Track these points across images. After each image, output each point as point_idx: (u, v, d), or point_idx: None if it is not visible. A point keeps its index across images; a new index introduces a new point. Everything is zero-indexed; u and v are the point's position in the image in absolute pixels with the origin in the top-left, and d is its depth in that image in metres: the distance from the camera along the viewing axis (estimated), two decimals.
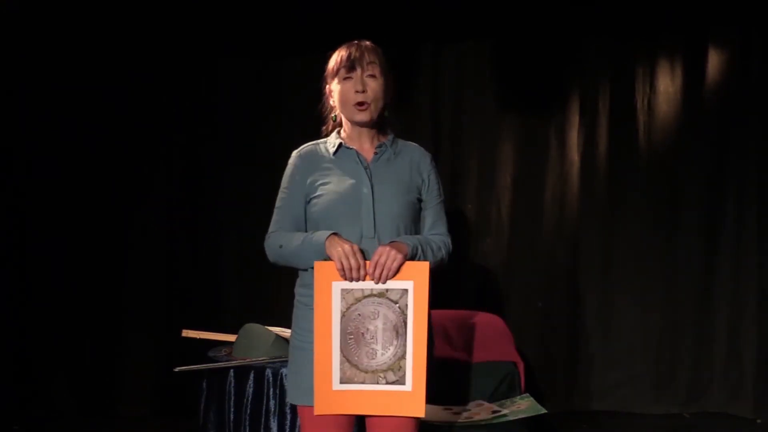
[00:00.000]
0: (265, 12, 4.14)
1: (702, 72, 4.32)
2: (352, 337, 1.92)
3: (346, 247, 1.91)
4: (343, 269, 1.90)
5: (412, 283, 1.91)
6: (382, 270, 1.90)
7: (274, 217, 2.12)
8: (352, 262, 1.89)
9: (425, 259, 1.97)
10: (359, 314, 1.92)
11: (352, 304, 1.92)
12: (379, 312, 1.92)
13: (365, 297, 1.92)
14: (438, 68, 4.37)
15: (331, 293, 1.92)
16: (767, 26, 4.21)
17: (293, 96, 4.25)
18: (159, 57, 4.21)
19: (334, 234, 1.95)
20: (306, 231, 2.08)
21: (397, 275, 1.91)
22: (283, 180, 2.13)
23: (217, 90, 4.33)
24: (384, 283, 1.91)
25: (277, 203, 2.13)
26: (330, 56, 2.10)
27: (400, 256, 1.90)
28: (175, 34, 4.17)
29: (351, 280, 1.91)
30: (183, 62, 4.25)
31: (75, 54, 4.10)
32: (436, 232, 2.11)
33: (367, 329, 1.92)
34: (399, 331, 1.92)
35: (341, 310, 1.92)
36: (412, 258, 1.95)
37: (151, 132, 4.23)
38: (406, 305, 1.91)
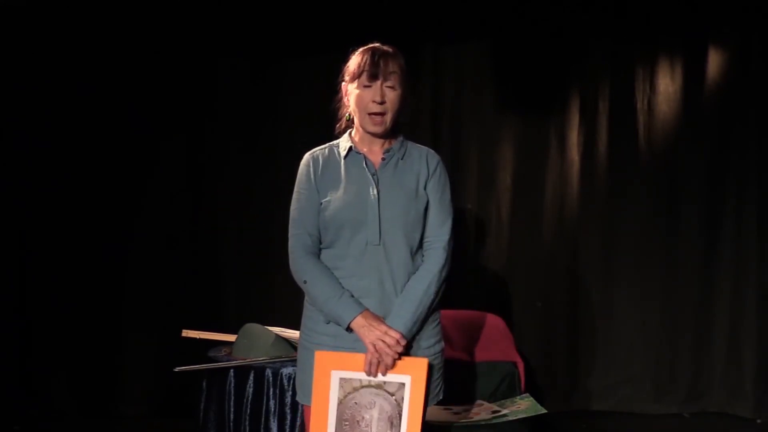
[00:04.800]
0: (266, 12, 4.14)
1: (702, 72, 4.33)
2: (348, 424, 1.95)
3: (383, 328, 1.94)
4: (373, 356, 1.93)
5: (410, 378, 1.95)
6: (377, 366, 1.94)
7: (293, 229, 2.09)
8: (389, 348, 1.92)
9: (425, 318, 2.01)
10: (356, 402, 1.96)
11: (349, 393, 1.96)
12: (375, 402, 1.95)
13: (363, 387, 1.96)
14: (438, 68, 4.37)
15: (329, 381, 1.96)
16: (766, 27, 4.21)
17: (294, 96, 4.26)
18: (159, 54, 4.20)
19: (362, 314, 1.96)
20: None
21: (396, 369, 1.95)
22: (296, 184, 2.11)
23: (217, 89, 4.33)
24: (384, 375, 1.96)
25: (293, 212, 2.10)
26: (351, 54, 2.08)
27: (394, 353, 1.93)
28: (178, 30, 4.17)
29: (373, 374, 1.94)
30: (183, 60, 4.24)
31: (75, 51, 4.09)
32: (430, 240, 2.07)
33: (363, 417, 1.95)
34: (393, 422, 1.94)
35: (339, 398, 1.96)
36: (410, 334, 1.98)
37: (150, 131, 4.23)
38: (402, 398, 1.95)
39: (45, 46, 4.05)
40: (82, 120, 4.14)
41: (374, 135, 2.07)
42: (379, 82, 2.02)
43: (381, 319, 1.98)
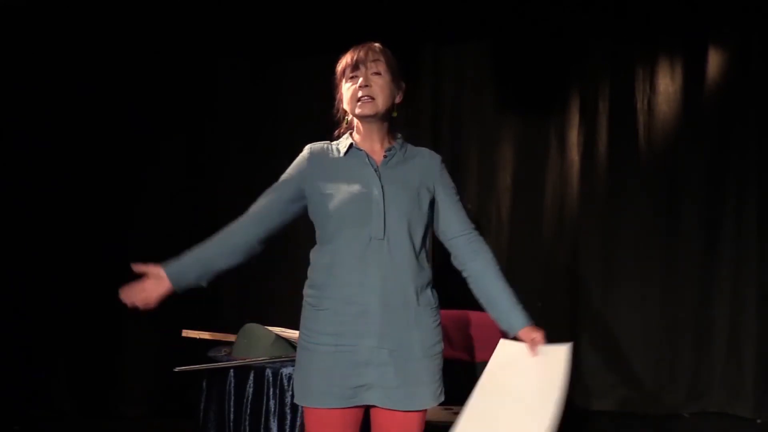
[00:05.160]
0: (266, 12, 4.14)
1: (702, 72, 4.33)
2: None
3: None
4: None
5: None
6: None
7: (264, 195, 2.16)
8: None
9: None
10: None
11: None
12: None
13: None
14: (438, 68, 4.37)
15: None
16: (766, 27, 4.21)
17: (294, 96, 4.26)
18: (159, 54, 4.20)
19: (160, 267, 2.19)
20: (277, 219, 2.13)
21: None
22: (289, 167, 2.16)
23: (217, 89, 4.33)
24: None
25: (276, 183, 2.16)
26: (339, 60, 2.12)
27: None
28: (178, 30, 4.17)
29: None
30: (183, 60, 4.24)
31: (75, 51, 4.09)
32: (465, 230, 2.14)
33: None
34: None
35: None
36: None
37: (150, 131, 4.23)
38: None
39: (45, 46, 4.05)
40: (82, 120, 4.14)
41: (369, 119, 2.08)
42: (362, 70, 2.06)
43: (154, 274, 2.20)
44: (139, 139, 4.20)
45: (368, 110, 2.06)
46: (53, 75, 4.07)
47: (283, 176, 2.15)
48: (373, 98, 2.05)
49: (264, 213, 2.12)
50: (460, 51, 4.39)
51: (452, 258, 2.17)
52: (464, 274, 2.15)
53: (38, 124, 4.09)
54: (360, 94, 2.05)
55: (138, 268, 2.07)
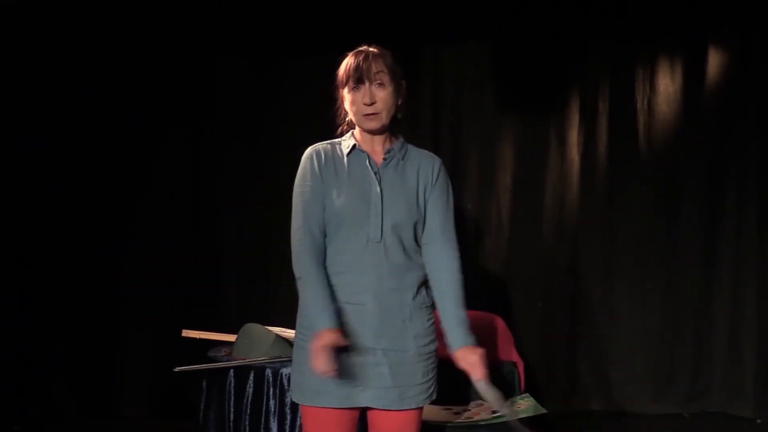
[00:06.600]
0: (266, 12, 4.14)
1: (702, 72, 4.33)
2: None
3: (318, 345, 1.89)
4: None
5: None
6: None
7: (297, 222, 2.06)
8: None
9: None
10: None
11: None
12: None
13: None
14: (438, 68, 4.37)
15: None
16: (766, 27, 4.22)
17: (294, 96, 4.26)
18: (159, 54, 4.20)
19: (330, 330, 1.92)
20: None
21: None
22: (299, 178, 2.09)
23: (217, 89, 4.32)
24: None
25: (298, 205, 2.07)
26: (341, 61, 2.09)
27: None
28: (178, 30, 4.17)
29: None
30: (183, 60, 4.23)
31: (75, 51, 4.09)
32: (440, 238, 2.09)
33: None
34: None
35: None
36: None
37: (150, 131, 4.23)
38: None
39: (45, 46, 4.04)
40: (82, 120, 4.14)
41: (372, 132, 2.09)
42: (366, 85, 2.03)
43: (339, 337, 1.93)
44: (139, 140, 4.20)
45: (373, 126, 2.06)
46: (53, 75, 4.07)
47: (306, 193, 2.06)
48: (377, 114, 2.04)
49: (322, 242, 2.06)
50: (460, 51, 4.38)
51: (422, 256, 2.12)
52: (428, 276, 2.12)
53: (38, 124, 4.08)
54: (364, 111, 2.04)
55: (332, 342, 1.91)
